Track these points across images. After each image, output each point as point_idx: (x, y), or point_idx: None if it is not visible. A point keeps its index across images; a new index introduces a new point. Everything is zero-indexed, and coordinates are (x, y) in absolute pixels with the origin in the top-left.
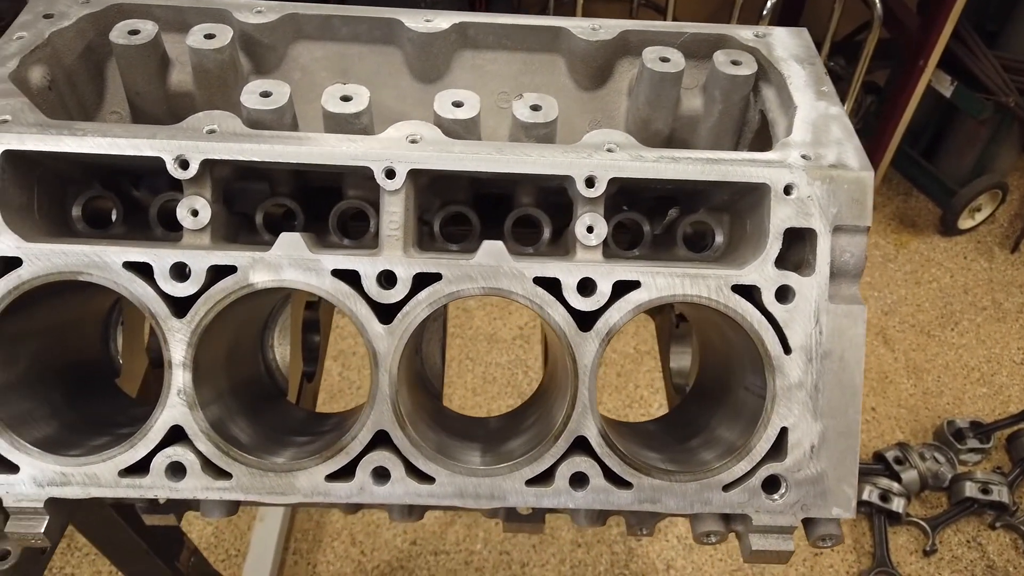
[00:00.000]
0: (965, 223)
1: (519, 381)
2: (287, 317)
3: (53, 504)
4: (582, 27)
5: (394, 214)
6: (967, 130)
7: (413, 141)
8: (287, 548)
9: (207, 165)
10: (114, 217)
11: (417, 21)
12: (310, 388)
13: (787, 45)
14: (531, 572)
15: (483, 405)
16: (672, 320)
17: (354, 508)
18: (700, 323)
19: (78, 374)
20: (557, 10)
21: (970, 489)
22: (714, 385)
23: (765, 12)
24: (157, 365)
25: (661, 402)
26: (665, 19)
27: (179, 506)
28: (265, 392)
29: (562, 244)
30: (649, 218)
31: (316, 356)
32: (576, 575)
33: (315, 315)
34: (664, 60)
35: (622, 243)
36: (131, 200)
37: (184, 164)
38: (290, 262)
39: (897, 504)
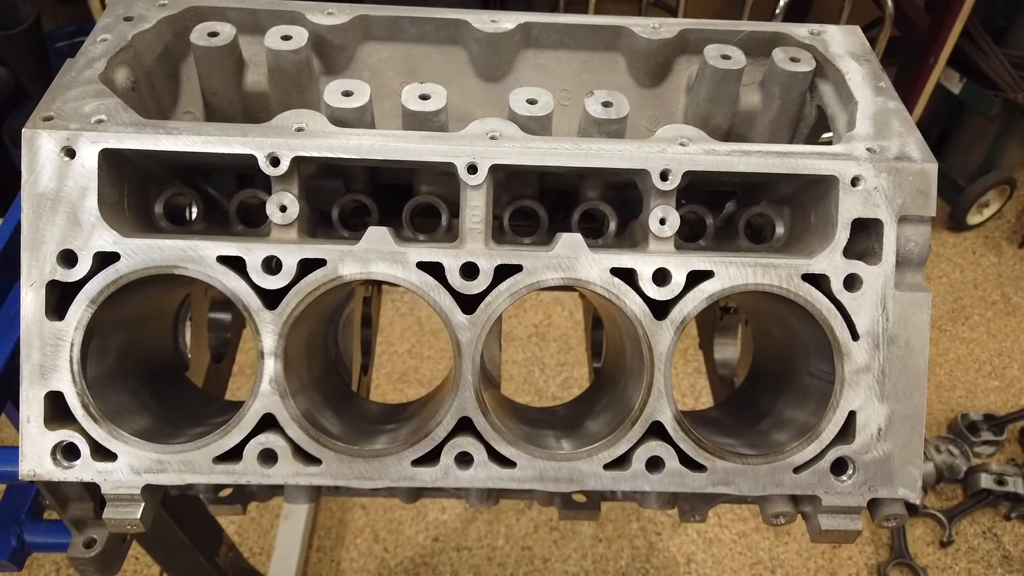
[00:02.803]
0: (973, 218)
1: (535, 378)
2: (346, 313)
3: (149, 491)
4: (643, 26)
5: (476, 208)
6: (975, 126)
7: (493, 137)
8: (311, 545)
9: (296, 162)
10: (193, 213)
11: (483, 22)
12: (365, 381)
13: (842, 43)
14: (553, 567)
15: None
16: (716, 312)
17: (415, 496)
18: (757, 313)
19: (156, 368)
20: (567, 9)
21: (985, 481)
22: (773, 372)
23: (778, 11)
24: (218, 360)
25: (678, 398)
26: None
27: (245, 496)
28: (336, 385)
29: (627, 237)
30: (708, 211)
31: (369, 350)
32: (598, 569)
33: (368, 310)
34: (726, 57)
35: (682, 235)
36: (207, 197)
37: (275, 161)
38: (378, 255)
39: None
